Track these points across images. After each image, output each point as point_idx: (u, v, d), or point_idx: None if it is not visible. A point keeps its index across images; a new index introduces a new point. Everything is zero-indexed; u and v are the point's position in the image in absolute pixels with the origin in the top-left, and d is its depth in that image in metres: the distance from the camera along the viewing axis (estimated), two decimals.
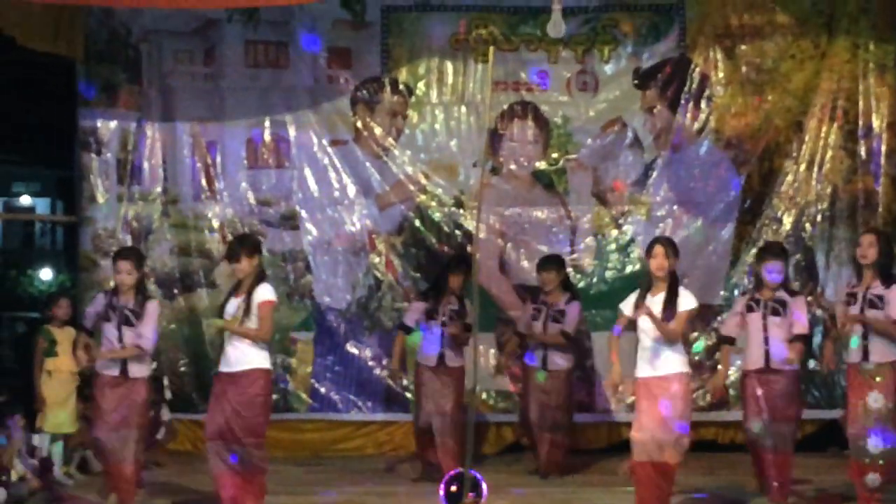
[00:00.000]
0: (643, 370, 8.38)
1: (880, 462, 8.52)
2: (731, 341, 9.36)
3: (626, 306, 8.47)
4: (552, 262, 10.74)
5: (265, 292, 8.39)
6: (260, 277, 8.44)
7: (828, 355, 9.30)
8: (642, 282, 8.59)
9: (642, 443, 8.29)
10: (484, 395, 11.78)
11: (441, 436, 10.26)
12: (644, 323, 8.35)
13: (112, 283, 9.33)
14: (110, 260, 11.75)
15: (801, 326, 9.03)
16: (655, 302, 8.33)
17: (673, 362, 8.31)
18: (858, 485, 8.61)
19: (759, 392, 8.91)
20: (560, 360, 10.51)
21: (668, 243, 8.54)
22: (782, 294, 9.04)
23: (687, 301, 8.35)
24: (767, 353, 8.93)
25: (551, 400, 10.45)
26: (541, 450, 10.50)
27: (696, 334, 11.67)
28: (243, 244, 8.61)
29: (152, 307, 8.93)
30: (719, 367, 9.71)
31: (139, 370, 8.77)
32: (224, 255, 8.52)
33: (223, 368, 8.37)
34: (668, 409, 8.24)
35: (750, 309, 9.07)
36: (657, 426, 8.22)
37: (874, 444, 8.52)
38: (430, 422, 10.34)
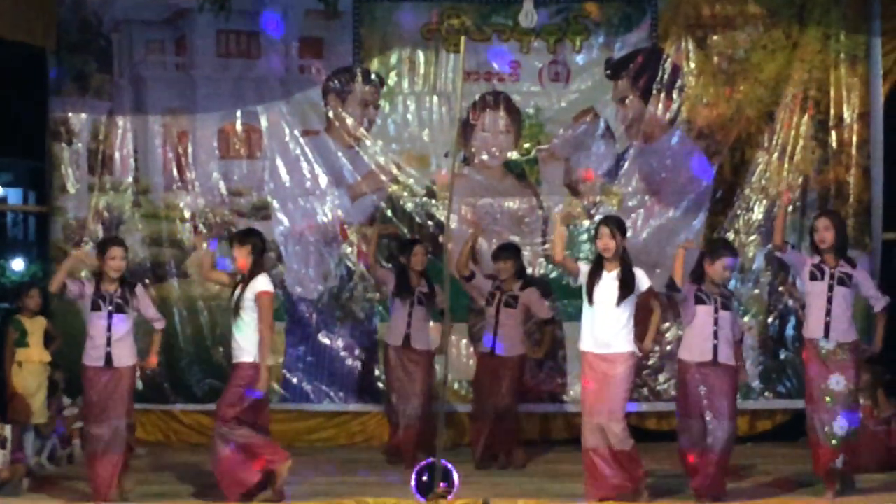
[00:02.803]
0: (588, 344, 8.38)
1: (844, 444, 8.57)
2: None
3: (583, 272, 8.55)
4: (508, 251, 10.77)
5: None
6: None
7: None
8: (595, 259, 8.61)
9: (591, 428, 8.32)
10: (455, 385, 11.77)
11: (406, 420, 10.37)
12: (601, 295, 8.33)
13: (85, 273, 9.23)
14: (87, 249, 11.77)
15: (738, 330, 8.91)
16: (610, 279, 8.36)
17: (621, 341, 8.32)
18: (825, 471, 8.64)
19: (703, 388, 8.49)
20: (511, 346, 10.48)
21: (614, 222, 8.51)
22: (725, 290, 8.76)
23: (644, 282, 8.40)
24: (716, 348, 8.52)
25: (501, 386, 10.38)
26: (480, 438, 10.44)
27: (668, 325, 11.69)
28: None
29: (142, 290, 9.11)
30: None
31: (125, 359, 8.77)
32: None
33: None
34: (613, 390, 8.26)
35: (699, 301, 8.59)
36: (604, 408, 8.25)
37: (840, 426, 8.55)
38: (396, 404, 10.51)
